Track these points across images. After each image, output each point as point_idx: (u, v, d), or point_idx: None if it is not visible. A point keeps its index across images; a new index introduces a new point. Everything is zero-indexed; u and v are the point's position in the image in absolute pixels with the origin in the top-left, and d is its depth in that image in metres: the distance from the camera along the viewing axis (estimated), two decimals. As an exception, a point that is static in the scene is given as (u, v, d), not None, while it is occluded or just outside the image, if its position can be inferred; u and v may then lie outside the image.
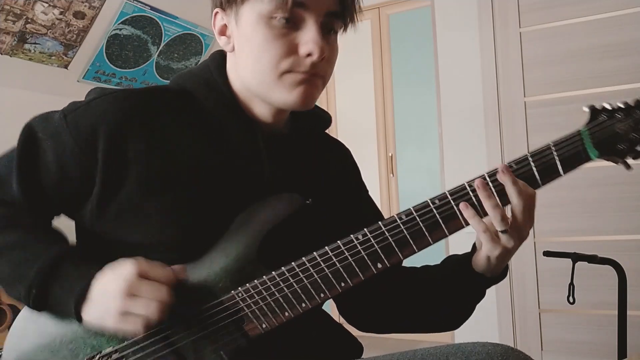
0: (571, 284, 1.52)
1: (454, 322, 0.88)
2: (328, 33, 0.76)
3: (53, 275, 0.71)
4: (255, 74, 0.76)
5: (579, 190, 2.20)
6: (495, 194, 0.72)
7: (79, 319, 0.71)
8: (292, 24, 0.73)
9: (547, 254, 1.64)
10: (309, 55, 0.73)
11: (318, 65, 0.75)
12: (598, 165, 2.17)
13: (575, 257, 1.55)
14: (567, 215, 2.23)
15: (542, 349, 2.29)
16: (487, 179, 0.73)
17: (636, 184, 2.14)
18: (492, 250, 0.74)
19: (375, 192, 3.47)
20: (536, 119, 2.30)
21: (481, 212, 0.73)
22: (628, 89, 2.13)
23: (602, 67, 2.20)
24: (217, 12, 0.79)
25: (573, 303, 1.50)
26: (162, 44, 2.83)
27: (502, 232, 0.73)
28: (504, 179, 0.71)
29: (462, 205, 0.72)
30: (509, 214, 0.74)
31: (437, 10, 2.52)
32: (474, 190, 0.73)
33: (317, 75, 0.76)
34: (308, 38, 0.73)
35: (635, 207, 2.14)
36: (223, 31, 0.80)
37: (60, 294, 0.71)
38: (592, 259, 1.54)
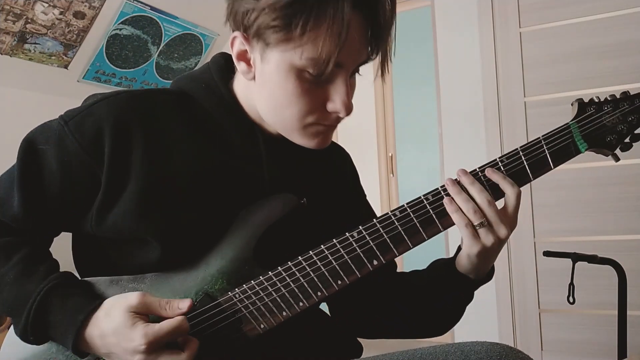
0: (571, 284, 1.52)
1: (442, 326, 0.88)
2: (352, 75, 0.75)
3: (44, 321, 0.71)
4: (277, 118, 0.75)
5: (579, 190, 2.20)
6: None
7: (82, 355, 0.71)
8: (321, 79, 0.71)
9: (547, 254, 1.64)
10: (335, 112, 0.74)
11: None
12: (598, 165, 2.17)
13: (575, 257, 1.55)
14: (567, 215, 2.23)
15: (542, 349, 2.29)
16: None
17: (636, 184, 2.14)
18: (472, 246, 0.75)
19: (375, 192, 3.47)
20: (536, 119, 2.30)
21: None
22: (628, 89, 2.13)
23: (602, 67, 2.20)
24: (236, 37, 0.73)
25: (573, 303, 1.50)
26: (162, 44, 2.83)
27: (480, 226, 0.74)
28: (462, 180, 0.75)
29: (445, 200, 0.74)
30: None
31: (437, 10, 2.52)
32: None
33: (336, 124, 0.78)
34: (337, 97, 0.72)
35: (635, 207, 2.14)
36: (242, 56, 0.75)
37: (57, 336, 0.71)
38: (592, 259, 1.54)
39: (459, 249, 0.82)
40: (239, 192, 0.78)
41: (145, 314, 0.69)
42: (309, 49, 0.68)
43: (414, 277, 0.89)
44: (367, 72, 0.78)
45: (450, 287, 0.82)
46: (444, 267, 0.83)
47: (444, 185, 0.75)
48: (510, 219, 0.75)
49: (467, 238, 0.75)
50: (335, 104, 0.72)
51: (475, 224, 0.74)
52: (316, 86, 0.72)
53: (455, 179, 0.75)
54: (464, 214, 0.74)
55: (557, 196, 2.22)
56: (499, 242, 0.75)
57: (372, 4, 0.69)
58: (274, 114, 0.75)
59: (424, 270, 0.88)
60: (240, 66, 0.76)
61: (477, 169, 0.76)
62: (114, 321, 0.67)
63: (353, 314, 0.92)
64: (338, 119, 0.75)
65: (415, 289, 0.87)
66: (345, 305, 0.91)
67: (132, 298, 0.68)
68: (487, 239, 0.74)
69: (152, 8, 2.61)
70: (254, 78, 0.75)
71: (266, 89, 0.74)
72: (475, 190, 0.74)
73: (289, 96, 0.72)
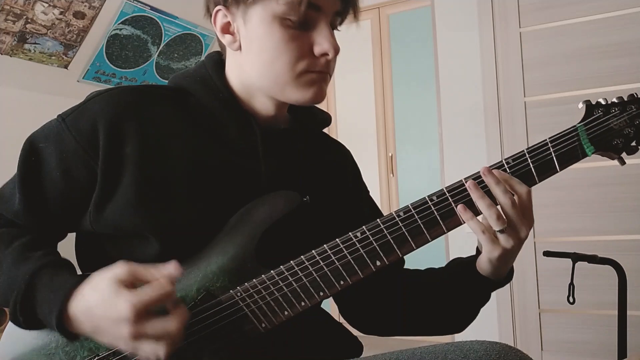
0: (571, 284, 1.52)
1: (457, 325, 0.87)
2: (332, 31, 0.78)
3: (32, 299, 0.69)
4: (270, 74, 0.77)
5: (579, 190, 2.20)
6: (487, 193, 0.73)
7: (70, 336, 0.69)
8: (304, 25, 0.75)
9: (547, 254, 1.63)
10: (323, 54, 0.76)
11: (331, 63, 0.77)
12: (598, 165, 2.17)
13: (575, 257, 1.55)
14: (567, 215, 2.23)
15: (542, 349, 2.29)
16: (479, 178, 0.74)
17: (636, 184, 2.14)
18: (492, 251, 0.74)
19: (375, 192, 3.46)
20: (536, 119, 2.30)
21: (479, 211, 0.73)
22: (628, 89, 2.13)
23: (602, 67, 2.20)
24: (219, 10, 0.78)
25: (573, 303, 1.50)
26: (162, 44, 2.83)
27: (500, 232, 0.73)
28: (487, 180, 0.73)
29: (460, 208, 0.73)
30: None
31: (437, 10, 2.52)
32: None
33: (328, 72, 0.79)
34: (322, 38, 0.75)
35: (635, 207, 2.14)
36: (226, 29, 0.79)
37: (43, 315, 0.70)
38: (592, 259, 1.54)
39: (478, 251, 0.81)
40: (236, 187, 0.78)
41: (132, 282, 0.65)
42: None
43: (431, 275, 0.89)
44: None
45: (469, 288, 0.82)
46: (464, 268, 0.82)
47: (449, 186, 0.74)
48: (527, 219, 0.74)
49: (487, 243, 0.74)
50: (322, 45, 0.75)
51: (496, 230, 0.73)
52: (300, 32, 0.75)
53: (477, 179, 0.73)
54: (480, 221, 0.72)
55: (557, 196, 2.22)
56: (519, 243, 0.74)
57: None
58: (266, 72, 0.77)
59: (441, 270, 0.88)
60: (225, 39, 0.79)
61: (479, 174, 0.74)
62: (100, 292, 0.65)
63: (365, 312, 0.92)
64: (328, 64, 0.77)
65: (432, 287, 0.86)
66: (356, 303, 0.91)
67: (117, 267, 0.66)
68: (507, 242, 0.73)
69: (152, 8, 2.62)
70: (239, 48, 0.78)
71: (254, 49, 0.77)
72: (499, 191, 0.72)
73: (276, 45, 0.75)
